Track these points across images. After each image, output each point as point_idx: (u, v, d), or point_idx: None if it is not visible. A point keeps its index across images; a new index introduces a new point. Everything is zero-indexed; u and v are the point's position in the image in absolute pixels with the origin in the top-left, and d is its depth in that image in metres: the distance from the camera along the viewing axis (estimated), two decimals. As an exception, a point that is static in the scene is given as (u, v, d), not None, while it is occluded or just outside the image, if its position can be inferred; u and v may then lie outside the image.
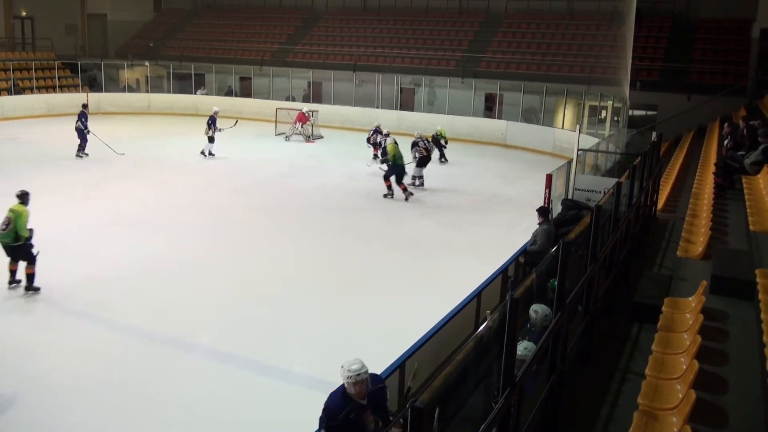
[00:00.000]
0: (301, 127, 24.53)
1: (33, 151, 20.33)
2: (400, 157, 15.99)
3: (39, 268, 10.08)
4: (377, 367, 5.91)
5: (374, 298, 10.12)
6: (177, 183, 17.00)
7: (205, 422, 6.88)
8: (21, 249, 9.74)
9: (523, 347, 4.99)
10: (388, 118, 26.91)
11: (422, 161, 17.66)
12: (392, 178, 15.91)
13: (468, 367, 4.70)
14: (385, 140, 17.57)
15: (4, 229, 9.62)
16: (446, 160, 21.07)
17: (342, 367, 4.85)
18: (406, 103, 28.61)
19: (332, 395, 5.00)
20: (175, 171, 18.60)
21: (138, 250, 12.01)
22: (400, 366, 6.23)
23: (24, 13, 34.15)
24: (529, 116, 25.57)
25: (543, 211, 9.63)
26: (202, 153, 20.37)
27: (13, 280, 9.94)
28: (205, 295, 10.10)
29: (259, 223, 13.95)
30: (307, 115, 24.57)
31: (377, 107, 27.93)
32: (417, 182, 17.37)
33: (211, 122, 20.02)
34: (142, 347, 8.47)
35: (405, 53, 29.78)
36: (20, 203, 9.91)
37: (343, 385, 4.92)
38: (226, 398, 7.26)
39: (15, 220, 9.60)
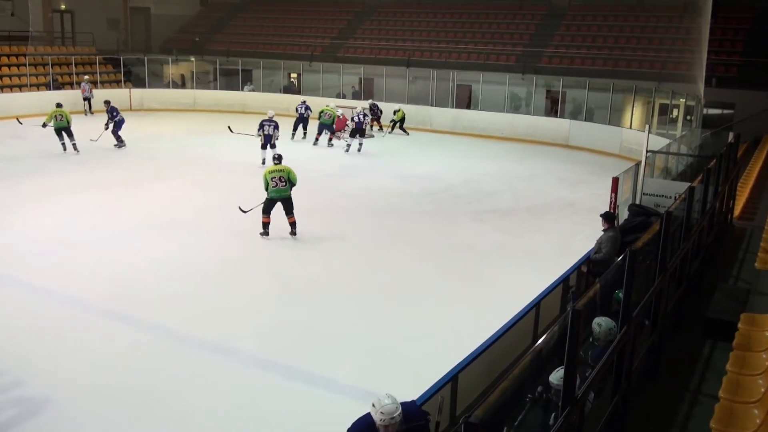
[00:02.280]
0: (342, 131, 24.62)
1: (69, 147, 20.77)
2: None
3: (71, 268, 10.40)
4: (426, 381, 5.90)
5: (423, 305, 10.08)
6: (219, 182, 17.21)
7: (243, 429, 6.96)
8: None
9: (558, 377, 4.83)
10: (443, 117, 26.92)
11: (353, 132, 22.02)
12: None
13: (525, 382, 4.67)
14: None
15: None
16: (383, 131, 26.04)
17: (374, 406, 4.58)
18: (462, 100, 28.45)
19: (359, 425, 4.78)
20: (219, 170, 18.85)
21: (177, 251, 12.22)
22: (452, 379, 6.20)
23: (63, 7, 34.99)
24: (592, 115, 25.22)
25: (608, 217, 9.49)
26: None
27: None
28: (245, 299, 10.20)
29: (303, 225, 14.02)
30: (343, 118, 24.59)
31: (431, 105, 27.85)
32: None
33: (260, 128, 19.50)
34: (180, 351, 8.60)
35: (462, 48, 29.68)
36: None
37: (370, 414, 4.66)
38: (264, 405, 7.33)
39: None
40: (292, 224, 13.08)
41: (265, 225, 12.95)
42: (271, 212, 12.95)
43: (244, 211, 13.60)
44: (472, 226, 14.20)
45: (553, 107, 26.35)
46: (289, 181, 12.88)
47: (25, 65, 29.92)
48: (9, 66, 29.95)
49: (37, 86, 29.16)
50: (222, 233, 13.38)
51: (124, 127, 21.56)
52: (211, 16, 39.07)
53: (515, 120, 25.68)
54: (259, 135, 19.17)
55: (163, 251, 12.16)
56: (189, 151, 21.40)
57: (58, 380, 7.70)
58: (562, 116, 25.56)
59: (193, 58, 33.83)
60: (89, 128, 21.94)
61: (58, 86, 29.86)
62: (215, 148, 22.11)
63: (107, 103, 22.32)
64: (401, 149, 23.14)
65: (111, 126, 21.37)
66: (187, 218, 14.27)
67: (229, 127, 16.16)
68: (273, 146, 18.47)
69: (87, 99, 28.85)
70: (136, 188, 16.48)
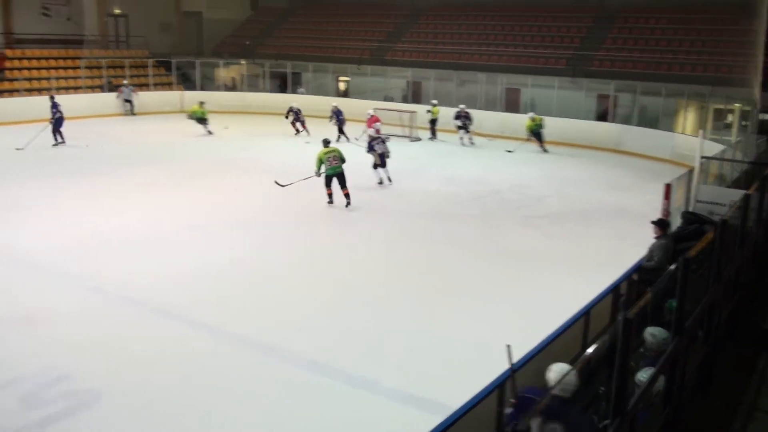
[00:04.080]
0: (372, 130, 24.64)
1: (121, 148, 21.18)
2: None
3: (126, 269, 10.66)
4: (470, 386, 5.84)
5: (468, 309, 10.02)
6: (269, 184, 17.36)
7: (289, 428, 7.02)
8: None
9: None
10: (492, 120, 26.74)
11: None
12: None
13: (575, 392, 4.60)
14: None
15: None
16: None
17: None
18: (510, 104, 28.26)
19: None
20: (270, 171, 18.99)
21: (232, 252, 12.38)
22: (499, 386, 6.13)
23: (118, 11, 35.68)
24: (644, 119, 24.81)
25: (661, 224, 9.31)
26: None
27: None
28: (295, 300, 10.28)
29: (353, 228, 14.12)
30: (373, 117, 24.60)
31: (480, 108, 27.70)
32: None
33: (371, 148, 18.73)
34: (235, 352, 8.69)
35: (511, 51, 29.45)
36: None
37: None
38: (311, 406, 7.37)
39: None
40: (347, 195, 15.33)
41: (330, 195, 15.37)
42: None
43: (282, 185, 15.78)
44: (519, 231, 14.09)
45: (604, 111, 25.98)
46: (341, 159, 15.24)
47: (80, 68, 30.61)
48: (65, 69, 30.67)
49: (92, 88, 29.79)
50: (275, 234, 13.57)
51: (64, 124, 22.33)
52: (262, 21, 39.45)
53: (564, 124, 25.37)
54: (373, 154, 17.66)
55: (217, 252, 12.36)
56: (241, 153, 21.67)
57: (110, 376, 7.87)
58: (612, 121, 25.22)
59: (243, 62, 34.23)
60: (131, 128, 22.28)
61: (112, 88, 30.45)
62: (267, 150, 22.39)
63: (51, 98, 22.85)
64: (449, 153, 23.11)
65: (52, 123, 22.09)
66: (240, 219, 14.46)
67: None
68: (383, 165, 17.64)
69: (128, 101, 29.44)
70: (188, 188, 16.74)
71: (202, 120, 25.14)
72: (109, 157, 20.65)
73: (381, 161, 17.61)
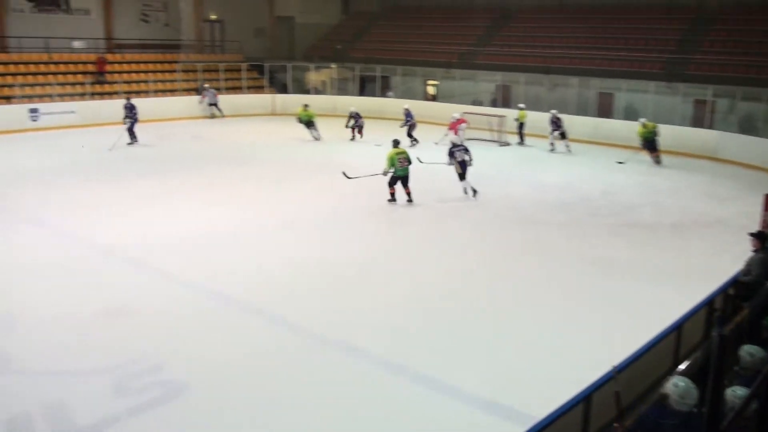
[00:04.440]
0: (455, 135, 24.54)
1: (215, 149, 21.79)
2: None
3: (216, 265, 11.21)
4: (555, 397, 5.82)
5: (553, 319, 9.89)
6: (356, 186, 17.58)
7: (368, 428, 7.12)
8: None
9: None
10: (584, 125, 26.32)
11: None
12: None
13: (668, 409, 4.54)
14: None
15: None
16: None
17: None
18: (603, 109, 27.71)
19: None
20: (356, 173, 19.22)
21: (311, 251, 12.65)
22: (585, 399, 6.08)
23: (213, 17, 36.69)
24: (743, 126, 23.91)
25: (760, 237, 9.03)
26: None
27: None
28: (379, 301, 10.39)
29: (434, 232, 14.16)
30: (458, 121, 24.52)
31: (572, 113, 27.28)
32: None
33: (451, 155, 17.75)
34: (319, 349, 8.87)
35: (603, 54, 28.79)
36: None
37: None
38: (391, 408, 7.46)
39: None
40: (409, 194, 15.92)
41: (393, 194, 15.91)
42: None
43: (349, 177, 16.47)
44: (608, 240, 13.80)
45: (701, 117, 25.17)
46: (409, 161, 15.89)
47: (176, 72, 31.61)
48: (162, 72, 31.71)
49: (187, 91, 30.69)
50: (362, 234, 13.82)
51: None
52: (353, 25, 39.89)
53: (660, 130, 24.73)
54: (452, 164, 16.67)
55: (302, 251, 12.61)
56: (329, 155, 21.98)
57: (197, 368, 8.16)
58: (709, 127, 24.44)
59: (333, 65, 34.67)
60: (224, 130, 22.81)
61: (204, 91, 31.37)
62: (354, 153, 22.63)
63: (128, 99, 23.52)
64: (538, 158, 22.89)
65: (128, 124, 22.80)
66: (324, 219, 14.73)
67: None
68: (464, 176, 16.65)
69: (213, 104, 30.04)
70: (275, 189, 17.12)
71: (309, 123, 25.01)
72: (202, 156, 21.34)
73: (462, 170, 16.62)
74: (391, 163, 15.64)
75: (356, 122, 25.37)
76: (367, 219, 14.95)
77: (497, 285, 11.24)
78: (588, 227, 14.70)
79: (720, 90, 24.43)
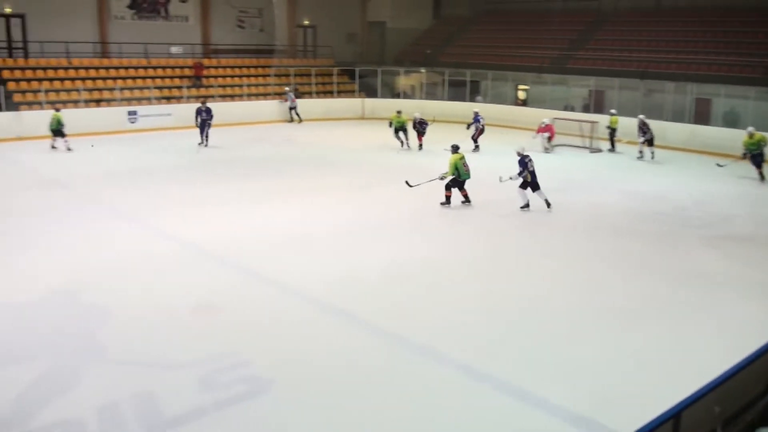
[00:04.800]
0: (548, 140, 24.36)
1: (306, 152, 22.16)
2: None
3: (305, 267, 11.51)
4: (642, 413, 5.70)
5: (642, 332, 9.65)
6: (443, 191, 17.59)
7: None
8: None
9: None
10: (679, 132, 25.63)
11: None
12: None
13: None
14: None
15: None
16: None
17: None
18: (700, 115, 26.84)
19: None
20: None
21: (396, 254, 12.72)
22: (674, 417, 5.92)
23: (307, 22, 37.37)
24: None
25: None
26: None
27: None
28: (460, 307, 10.36)
29: (522, 239, 14.04)
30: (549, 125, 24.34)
31: (666, 120, 26.60)
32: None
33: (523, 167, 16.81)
34: (393, 352, 8.93)
35: (702, 59, 27.90)
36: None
37: None
38: (473, 416, 7.38)
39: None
40: (466, 196, 16.17)
41: (449, 198, 16.08)
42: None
43: (411, 186, 16.38)
44: (702, 252, 13.36)
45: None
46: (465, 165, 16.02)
47: (270, 76, 32.29)
48: (256, 76, 32.45)
49: (280, 95, 31.24)
50: (448, 240, 13.86)
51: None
52: (444, 29, 39.92)
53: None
54: (524, 175, 15.83)
55: (386, 254, 12.71)
56: (415, 160, 22.07)
57: (282, 366, 8.33)
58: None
59: (423, 70, 34.75)
60: (314, 133, 23.15)
61: (298, 95, 31.88)
62: (441, 158, 22.58)
63: (203, 103, 24.18)
64: (630, 165, 22.39)
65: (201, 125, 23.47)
66: (409, 223, 14.84)
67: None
68: (538, 186, 15.98)
69: (293, 108, 30.36)
70: (363, 192, 17.31)
71: (400, 130, 24.36)
72: (294, 159, 21.78)
73: (533, 180, 15.82)
74: (455, 168, 15.79)
75: (420, 128, 24.30)
76: (452, 224, 14.98)
77: (583, 296, 11.01)
78: (680, 238, 14.27)
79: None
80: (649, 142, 23.00)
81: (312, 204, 16.11)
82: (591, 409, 7.55)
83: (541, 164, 20.91)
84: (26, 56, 28.21)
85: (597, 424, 7.22)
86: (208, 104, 24.29)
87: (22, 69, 26.95)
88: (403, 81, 35.42)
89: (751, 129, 20.40)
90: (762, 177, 20.08)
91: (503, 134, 26.76)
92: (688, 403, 5.99)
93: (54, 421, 7.06)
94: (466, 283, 11.49)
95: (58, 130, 22.15)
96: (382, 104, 32.13)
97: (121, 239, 13.27)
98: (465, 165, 15.91)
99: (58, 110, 22.64)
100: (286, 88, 30.86)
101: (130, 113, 26.22)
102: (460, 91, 33.20)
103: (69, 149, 22.03)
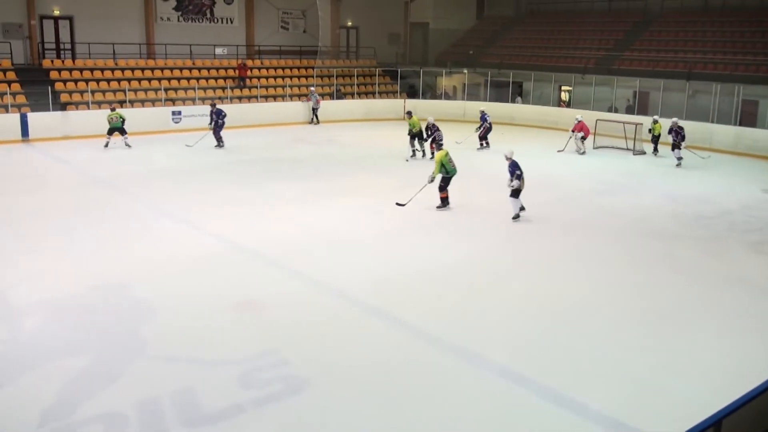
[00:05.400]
0: (582, 139, 24.10)
1: (348, 153, 22.24)
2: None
3: (343, 268, 11.71)
4: (681, 421, 5.64)
5: (685, 338, 9.54)
6: (485, 191, 17.55)
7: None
8: None
9: None
10: (725, 134, 25.24)
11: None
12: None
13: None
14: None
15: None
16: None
17: None
18: (747, 117, 26.39)
19: None
20: (485, 179, 19.21)
21: (437, 256, 12.78)
22: (715, 424, 5.83)
23: (350, 24, 37.56)
24: None
25: None
26: None
27: None
28: (501, 309, 10.37)
29: (563, 241, 13.92)
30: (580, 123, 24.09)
31: (712, 121, 26.19)
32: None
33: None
34: (431, 352, 8.97)
35: (750, 60, 27.48)
36: None
37: None
38: (511, 418, 7.42)
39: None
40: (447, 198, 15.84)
41: (444, 199, 15.81)
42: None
43: (402, 205, 15.66)
44: (749, 258, 13.15)
45: None
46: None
47: (313, 77, 32.49)
48: (299, 77, 32.68)
49: (322, 96, 31.40)
50: (484, 241, 13.84)
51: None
52: (487, 30, 39.76)
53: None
54: (514, 184, 14.96)
55: (427, 255, 12.78)
56: (458, 160, 21.84)
57: (319, 366, 8.40)
58: None
59: (465, 71, 34.66)
60: (358, 134, 23.23)
61: (341, 96, 32.04)
62: (482, 158, 22.62)
63: (213, 105, 24.15)
64: (673, 168, 22.08)
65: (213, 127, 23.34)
66: (451, 224, 14.85)
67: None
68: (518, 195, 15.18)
69: (315, 110, 30.09)
70: (406, 193, 17.28)
71: (416, 134, 22.54)
72: (337, 160, 21.89)
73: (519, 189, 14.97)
74: (441, 166, 15.52)
75: (433, 135, 22.12)
76: (490, 229, 14.83)
77: (628, 302, 10.88)
78: (726, 243, 14.05)
79: None
80: (677, 146, 22.30)
81: (353, 205, 16.19)
82: (629, 414, 7.49)
83: (584, 166, 20.86)
84: (74, 57, 28.73)
85: (635, 431, 7.15)
86: (219, 106, 24.61)
87: (70, 70, 27.44)
88: (445, 82, 35.40)
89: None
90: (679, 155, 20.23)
91: (540, 135, 26.62)
92: (728, 411, 5.91)
93: (96, 413, 7.21)
94: (505, 285, 11.48)
95: (117, 128, 22.60)
96: (423, 105, 32.12)
97: (165, 237, 13.51)
98: (450, 161, 15.82)
99: (114, 109, 23.11)
100: (311, 89, 30.86)
101: (174, 113, 26.58)
102: (502, 92, 33.07)
103: (128, 145, 22.55)
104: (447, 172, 15.65)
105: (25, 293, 10.42)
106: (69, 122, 24.66)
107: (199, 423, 7.12)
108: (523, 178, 14.84)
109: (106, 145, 22.64)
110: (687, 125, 24.97)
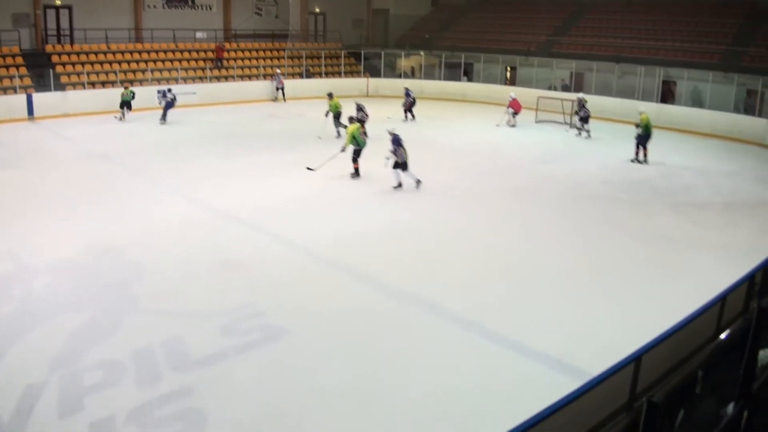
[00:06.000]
0: (514, 115, 24.20)
1: (316, 127, 21.99)
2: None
3: (320, 225, 11.84)
4: (610, 357, 5.79)
5: (616, 288, 9.78)
6: (440, 161, 17.58)
7: (442, 377, 7.19)
8: None
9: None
10: (648, 111, 25.45)
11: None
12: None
13: (706, 372, 4.49)
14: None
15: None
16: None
17: None
18: (666, 96, 26.79)
19: None
20: (440, 150, 19.27)
21: (396, 218, 12.84)
22: (635, 360, 6.02)
23: (317, 10, 37.07)
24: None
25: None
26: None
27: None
28: (456, 264, 10.47)
29: (510, 204, 14.07)
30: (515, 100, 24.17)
31: (637, 99, 26.52)
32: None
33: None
34: (395, 304, 9.05)
35: (669, 45, 27.89)
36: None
37: None
38: (465, 360, 7.55)
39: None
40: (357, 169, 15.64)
41: (357, 169, 15.68)
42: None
43: (312, 170, 15.50)
44: (669, 217, 13.46)
45: (752, 106, 23.95)
46: (366, 134, 15.67)
47: (283, 58, 32.10)
48: (271, 59, 32.25)
49: (293, 75, 31.09)
50: (441, 205, 13.84)
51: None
52: (441, 16, 39.61)
53: (715, 117, 23.76)
54: (395, 156, 14.67)
55: (389, 217, 12.83)
56: (416, 133, 21.96)
57: (295, 316, 8.45)
58: (760, 115, 23.15)
59: (422, 53, 34.55)
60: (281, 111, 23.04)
61: (309, 75, 31.70)
62: (438, 131, 22.62)
63: (169, 90, 24.51)
64: (607, 140, 22.29)
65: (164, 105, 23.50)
66: (411, 190, 14.78)
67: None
68: (405, 167, 14.77)
69: (280, 89, 29.68)
70: (369, 162, 17.22)
71: (337, 118, 21.31)
72: (305, 133, 21.58)
73: (403, 161, 14.69)
74: (353, 138, 15.48)
75: (409, 100, 24.54)
76: (443, 194, 14.87)
77: (566, 256, 11.07)
78: (651, 205, 14.34)
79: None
80: (584, 120, 22.26)
81: (321, 173, 16.03)
82: (567, 353, 7.69)
83: (526, 138, 20.99)
84: (72, 42, 28.15)
85: (572, 368, 7.33)
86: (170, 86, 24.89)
87: (69, 54, 26.87)
88: (404, 63, 35.21)
89: (642, 109, 19.64)
90: (644, 159, 18.55)
91: (488, 110, 26.68)
92: (647, 348, 6.10)
93: (98, 361, 7.23)
94: (459, 243, 11.57)
95: (126, 102, 23.11)
96: (384, 83, 32.06)
97: (156, 205, 13.36)
98: (363, 135, 16.08)
99: (126, 87, 23.46)
100: (277, 71, 30.33)
101: (159, 92, 26.11)
102: (455, 72, 33.05)
103: (121, 118, 23.07)
104: (358, 145, 15.65)
105: (36, 256, 10.32)
106: (68, 101, 24.22)
107: (187, 369, 7.14)
108: (400, 152, 14.52)
109: (119, 118, 23.04)
110: (616, 102, 25.39)
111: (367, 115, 20.51)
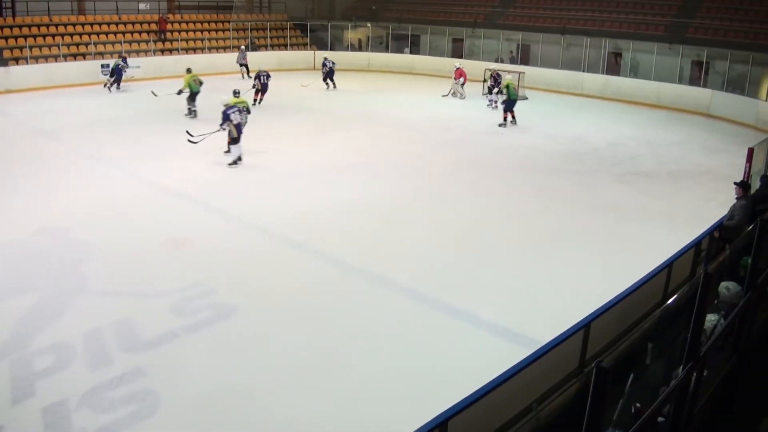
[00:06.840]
0: (462, 85, 24.37)
1: (264, 100, 21.71)
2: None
3: (269, 202, 11.74)
4: (560, 325, 5.92)
5: (564, 257, 9.99)
6: (388, 134, 17.58)
7: (395, 349, 7.31)
8: None
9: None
10: (594, 82, 25.95)
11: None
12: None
13: (653, 336, 4.62)
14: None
15: None
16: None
17: None
18: (612, 67, 27.19)
19: None
20: (388, 124, 19.24)
21: (347, 192, 12.83)
22: (585, 327, 6.17)
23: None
24: (733, 86, 23.25)
25: (743, 186, 8.92)
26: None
27: None
28: (406, 237, 10.56)
29: (459, 176, 14.17)
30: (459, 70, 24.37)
31: (583, 71, 26.86)
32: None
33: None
34: (346, 278, 9.14)
35: (614, 17, 28.21)
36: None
37: None
38: (417, 332, 7.66)
39: None
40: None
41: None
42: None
43: (194, 142, 14.87)
44: (614, 187, 13.76)
45: (697, 77, 24.56)
46: (248, 111, 14.75)
47: (229, 30, 31.49)
48: (216, 31, 31.60)
49: (238, 48, 30.51)
50: (390, 178, 13.87)
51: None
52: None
53: (661, 88, 24.27)
54: (225, 128, 14.28)
55: (338, 192, 12.80)
56: (363, 107, 21.94)
57: (245, 294, 8.44)
58: (705, 86, 23.82)
59: (369, 24, 34.27)
60: (273, 84, 22.69)
61: (255, 48, 31.19)
62: (386, 104, 22.55)
63: (124, 59, 24.98)
64: (554, 112, 22.58)
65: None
66: (360, 164, 14.83)
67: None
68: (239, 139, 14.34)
69: (243, 65, 28.87)
70: (318, 137, 17.18)
71: (193, 95, 19.48)
72: (254, 109, 21.21)
73: (237, 134, 14.15)
74: (188, 84, 18.30)
75: (325, 69, 25.62)
76: (400, 163, 14.95)
77: (513, 226, 11.27)
78: (596, 175, 14.61)
79: (713, 52, 23.84)
80: (490, 91, 22.98)
81: (269, 149, 15.93)
82: (514, 322, 7.86)
83: (473, 110, 21.03)
84: (14, 15, 27.06)
85: (521, 336, 7.50)
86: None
87: (10, 27, 25.78)
88: (351, 35, 34.89)
89: (509, 76, 21.31)
90: (510, 122, 19.60)
91: (434, 83, 26.71)
92: (595, 315, 6.25)
93: (47, 344, 7.12)
94: (409, 215, 11.66)
95: (116, 71, 23.87)
96: (332, 56, 31.60)
97: (101, 183, 13.05)
98: (196, 81, 18.50)
99: (120, 56, 24.73)
100: (242, 47, 29.67)
101: (103, 66, 25.35)
102: (402, 44, 32.97)
103: (108, 88, 23.84)
104: (191, 89, 18.25)
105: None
106: (10, 77, 23.34)
107: (138, 349, 7.08)
108: (231, 126, 14.01)
109: (107, 86, 23.80)
110: (562, 74, 25.63)
111: (269, 76, 21.98)
